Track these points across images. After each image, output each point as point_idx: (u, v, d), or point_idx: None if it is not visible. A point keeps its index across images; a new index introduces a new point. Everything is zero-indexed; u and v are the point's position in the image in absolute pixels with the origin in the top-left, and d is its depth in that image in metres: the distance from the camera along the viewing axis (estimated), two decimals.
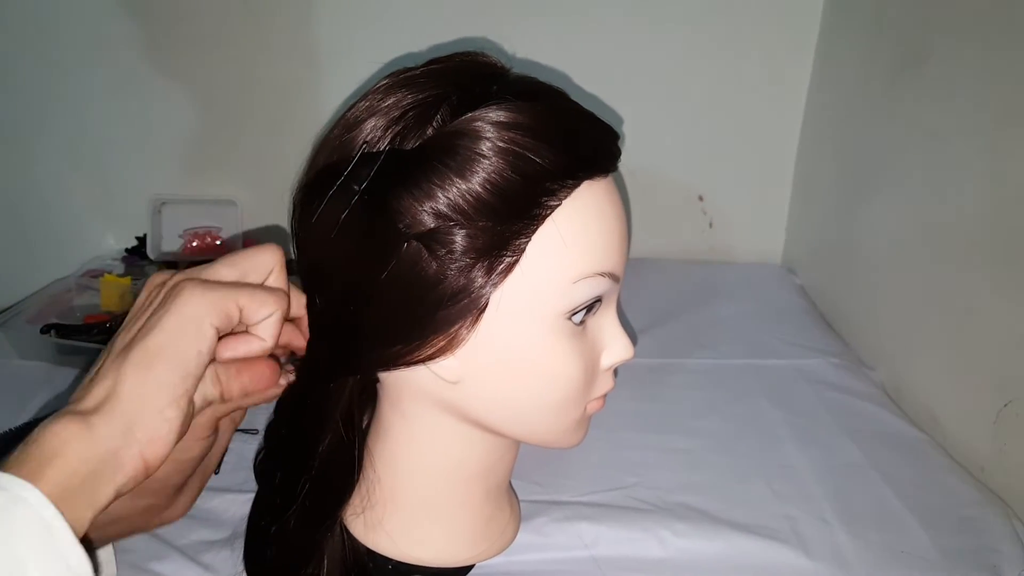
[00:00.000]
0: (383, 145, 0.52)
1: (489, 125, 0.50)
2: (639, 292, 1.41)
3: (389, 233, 0.50)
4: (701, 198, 1.53)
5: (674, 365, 1.18)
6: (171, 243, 1.44)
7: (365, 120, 0.52)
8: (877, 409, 1.08)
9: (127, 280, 1.29)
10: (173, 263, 1.41)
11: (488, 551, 0.74)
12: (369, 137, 0.52)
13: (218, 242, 1.43)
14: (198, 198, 1.46)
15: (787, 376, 1.16)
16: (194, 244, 1.43)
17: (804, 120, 1.47)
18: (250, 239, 1.45)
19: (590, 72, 1.35)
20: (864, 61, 1.27)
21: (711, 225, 1.55)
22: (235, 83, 1.42)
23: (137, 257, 1.44)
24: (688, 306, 1.35)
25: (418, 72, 0.54)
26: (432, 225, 0.50)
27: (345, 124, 0.54)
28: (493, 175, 0.49)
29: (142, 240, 1.45)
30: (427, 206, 0.49)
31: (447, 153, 0.50)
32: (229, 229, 1.44)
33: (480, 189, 0.49)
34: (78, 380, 1.07)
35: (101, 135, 1.45)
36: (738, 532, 0.83)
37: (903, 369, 1.13)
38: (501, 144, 0.49)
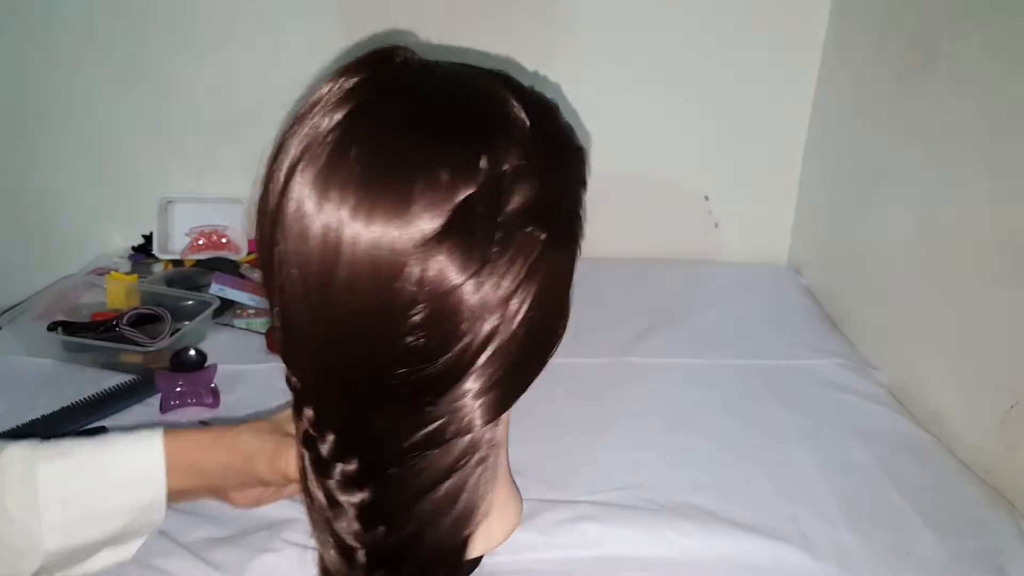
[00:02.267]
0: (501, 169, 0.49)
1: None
2: (645, 292, 1.41)
3: (574, 251, 0.55)
4: (707, 198, 1.53)
5: (680, 365, 1.18)
6: (178, 241, 1.44)
7: (470, 150, 0.49)
8: (883, 410, 1.08)
9: (133, 278, 1.29)
10: (179, 261, 1.41)
11: (517, 524, 0.77)
12: (496, 171, 0.48)
13: (223, 240, 1.44)
14: (205, 197, 1.46)
15: (793, 377, 1.15)
16: (200, 242, 1.43)
17: (810, 120, 1.47)
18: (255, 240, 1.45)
19: (595, 73, 1.36)
20: (872, 61, 1.27)
21: (716, 225, 1.55)
22: (243, 81, 1.42)
23: (143, 255, 1.45)
24: (694, 307, 1.35)
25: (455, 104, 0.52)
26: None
27: (458, 155, 0.48)
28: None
29: (149, 238, 1.46)
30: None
31: (577, 167, 0.56)
32: (235, 228, 1.45)
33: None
34: (84, 377, 1.09)
35: (109, 133, 1.46)
36: (744, 532, 0.82)
37: (909, 370, 1.13)
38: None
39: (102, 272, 1.34)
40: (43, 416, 1.00)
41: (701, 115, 1.47)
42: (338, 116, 0.48)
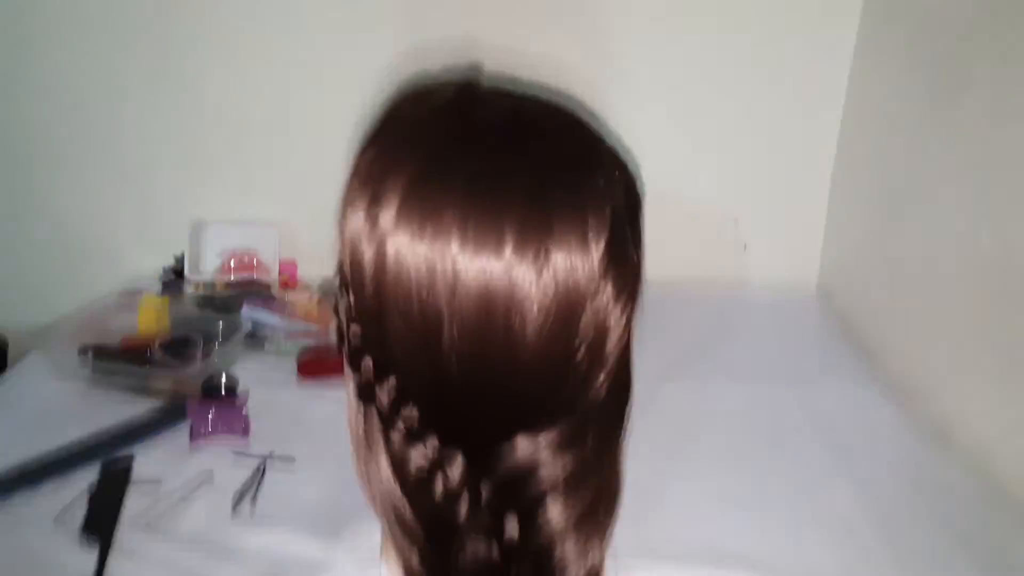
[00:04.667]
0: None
1: None
2: (675, 320, 1.37)
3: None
4: (736, 221, 1.50)
5: (712, 396, 1.15)
6: (210, 263, 1.44)
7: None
8: (925, 448, 1.04)
9: (165, 301, 1.29)
10: (211, 284, 1.41)
11: None
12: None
13: (255, 262, 1.43)
14: (238, 219, 1.46)
15: (829, 409, 1.12)
16: (232, 264, 1.42)
17: (839, 143, 1.44)
18: (286, 262, 1.45)
19: (624, 96, 1.34)
20: (902, 84, 1.24)
21: (745, 248, 1.52)
22: (277, 105, 1.42)
23: (176, 277, 1.44)
24: (724, 334, 1.32)
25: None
26: None
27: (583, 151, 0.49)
28: None
29: (181, 260, 1.45)
30: None
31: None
32: (268, 251, 1.44)
33: None
34: (114, 402, 1.08)
35: (143, 154, 1.46)
36: None
37: (951, 403, 1.09)
38: None
39: (134, 294, 1.34)
40: (71, 443, 0.99)
41: (730, 138, 1.45)
42: (454, 143, 0.46)
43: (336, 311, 0.49)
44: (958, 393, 1.08)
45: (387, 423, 0.48)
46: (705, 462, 1.00)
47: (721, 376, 1.20)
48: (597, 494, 0.50)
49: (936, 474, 0.99)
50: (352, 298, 0.48)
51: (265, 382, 1.14)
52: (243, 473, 0.97)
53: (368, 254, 0.45)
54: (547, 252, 0.43)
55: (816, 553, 0.85)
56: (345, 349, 0.49)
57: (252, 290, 1.35)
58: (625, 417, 0.51)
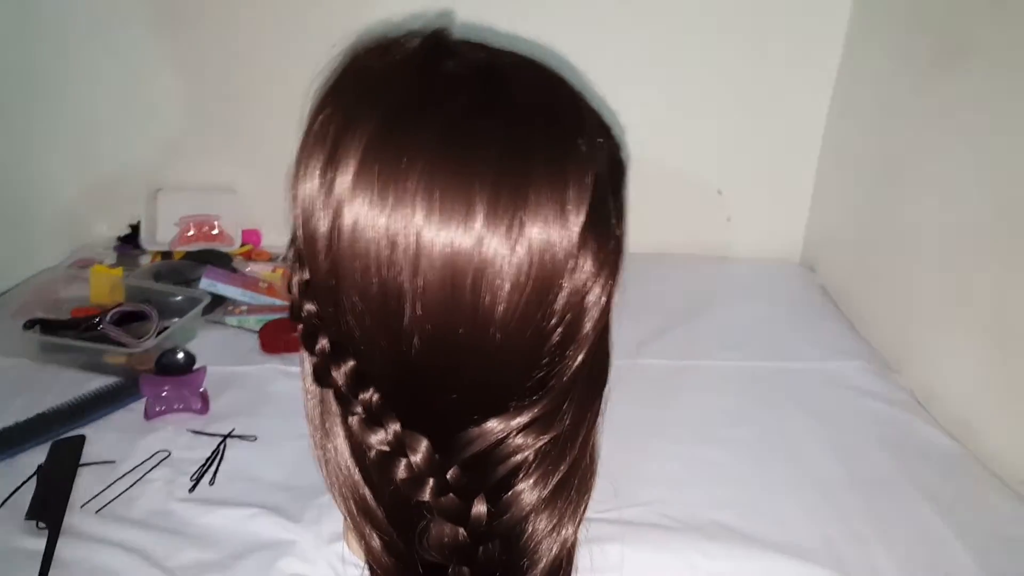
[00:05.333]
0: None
1: None
2: (657, 290, 1.35)
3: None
4: (720, 192, 1.47)
5: (696, 368, 1.13)
6: (166, 231, 1.38)
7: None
8: (908, 417, 1.03)
9: (119, 271, 1.23)
10: (168, 253, 1.35)
11: None
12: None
13: (215, 231, 1.37)
14: (195, 185, 1.39)
15: (813, 380, 1.11)
16: (190, 233, 1.36)
17: (829, 111, 1.41)
18: (249, 231, 1.39)
19: (607, 62, 1.29)
20: (897, 53, 1.21)
21: (729, 219, 1.50)
22: (235, 66, 1.35)
23: (130, 246, 1.38)
24: (707, 305, 1.30)
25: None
26: None
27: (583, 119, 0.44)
28: None
29: (136, 228, 1.39)
30: None
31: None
32: (227, 217, 1.38)
33: None
34: (64, 379, 1.03)
35: (94, 117, 1.38)
36: (773, 553, 0.78)
37: (934, 373, 1.08)
38: None
39: (85, 264, 1.28)
40: (17, 423, 0.93)
41: (715, 106, 1.41)
42: (424, 96, 0.41)
43: (289, 287, 0.44)
44: (940, 362, 1.07)
45: (345, 407, 0.44)
46: (686, 430, 0.98)
47: (702, 347, 1.18)
48: (570, 471, 0.46)
49: (918, 442, 0.98)
50: (306, 273, 0.43)
51: (225, 357, 1.08)
52: (202, 452, 0.92)
53: (323, 224, 0.40)
54: (521, 224, 0.38)
55: (797, 520, 0.83)
56: (299, 329, 0.45)
57: (212, 260, 1.29)
58: (602, 395, 0.48)
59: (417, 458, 0.43)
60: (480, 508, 0.44)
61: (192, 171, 1.41)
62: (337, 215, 0.39)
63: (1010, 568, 0.77)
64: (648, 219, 1.43)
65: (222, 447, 0.93)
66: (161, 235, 1.37)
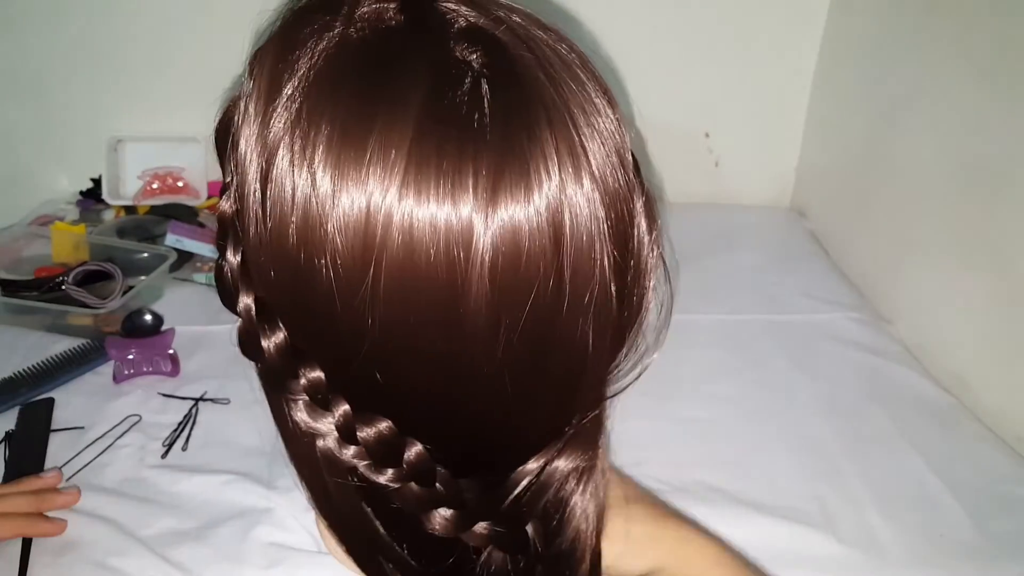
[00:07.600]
0: None
1: None
2: None
3: None
4: (707, 135, 1.42)
5: (683, 321, 1.08)
6: (130, 185, 1.31)
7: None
8: (901, 370, 1.01)
9: (81, 228, 1.17)
10: (132, 208, 1.29)
11: None
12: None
13: (180, 183, 1.31)
14: (159, 136, 1.32)
15: (804, 333, 1.08)
16: (155, 186, 1.30)
17: (820, 51, 1.35)
18: (216, 183, 1.32)
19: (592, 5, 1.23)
20: None
21: (717, 164, 1.45)
22: (199, 6, 1.27)
23: (93, 201, 1.32)
24: (695, 255, 1.25)
25: None
26: None
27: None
28: None
29: (98, 182, 1.32)
30: None
31: None
32: (195, 170, 1.32)
33: None
34: (28, 342, 0.98)
35: (49, 62, 1.30)
36: (763, 515, 0.76)
37: (927, 324, 1.06)
38: None
39: (46, 221, 1.22)
40: None
41: (703, 45, 1.36)
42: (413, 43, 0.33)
43: (219, 246, 0.37)
44: (936, 312, 1.05)
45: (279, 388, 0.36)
46: (670, 387, 0.94)
47: (687, 300, 1.14)
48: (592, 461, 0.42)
49: (912, 396, 0.96)
50: (238, 233, 0.36)
51: (195, 316, 1.04)
52: (173, 417, 0.89)
53: (254, 182, 0.34)
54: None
55: (787, 479, 0.81)
56: (220, 288, 0.37)
57: (177, 214, 1.23)
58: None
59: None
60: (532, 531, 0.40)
61: (155, 121, 1.33)
62: (268, 167, 0.33)
63: (1003, 524, 0.76)
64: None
65: (194, 411, 0.90)
66: (124, 189, 1.31)
